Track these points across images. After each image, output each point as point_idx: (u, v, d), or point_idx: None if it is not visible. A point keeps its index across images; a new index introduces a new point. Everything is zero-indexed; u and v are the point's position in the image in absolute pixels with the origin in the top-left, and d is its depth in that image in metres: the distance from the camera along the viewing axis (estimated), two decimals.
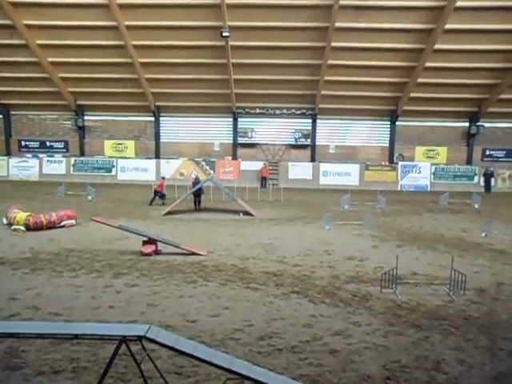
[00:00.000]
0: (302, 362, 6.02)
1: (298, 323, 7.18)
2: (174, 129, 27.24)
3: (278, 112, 25.76)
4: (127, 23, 21.19)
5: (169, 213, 16.48)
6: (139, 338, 4.08)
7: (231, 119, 26.41)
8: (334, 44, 21.03)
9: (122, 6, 20.54)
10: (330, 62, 22.03)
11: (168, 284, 8.78)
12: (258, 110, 25.84)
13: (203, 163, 26.48)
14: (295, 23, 20.57)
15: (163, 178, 20.41)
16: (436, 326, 7.21)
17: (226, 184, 21.63)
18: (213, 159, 26.55)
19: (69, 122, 27.32)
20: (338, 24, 20.03)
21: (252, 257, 10.90)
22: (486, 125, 25.36)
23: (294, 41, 21.41)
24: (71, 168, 27.09)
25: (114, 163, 27.01)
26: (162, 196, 18.88)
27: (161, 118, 26.89)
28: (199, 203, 18.06)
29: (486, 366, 6.05)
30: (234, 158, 26.70)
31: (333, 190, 23.54)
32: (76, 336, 4.24)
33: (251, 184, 22.62)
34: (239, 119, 26.36)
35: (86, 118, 27.15)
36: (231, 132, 26.65)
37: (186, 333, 6.59)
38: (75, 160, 27.16)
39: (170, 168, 26.49)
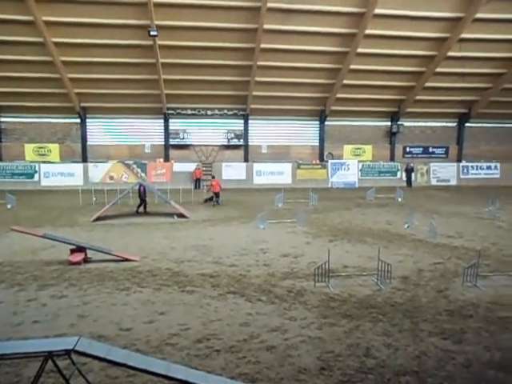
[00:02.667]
0: (240, 361, 6.05)
1: (235, 323, 7.21)
2: (102, 131, 26.08)
3: (209, 113, 25.66)
4: (46, 19, 19.89)
5: (98, 218, 15.76)
6: (67, 352, 3.86)
7: (162, 120, 25.85)
8: (263, 46, 21.37)
9: (39, 1, 19.24)
10: (260, 63, 22.38)
11: (99, 293, 8.40)
12: (189, 111, 25.56)
13: (134, 166, 25.65)
14: (225, 24, 20.61)
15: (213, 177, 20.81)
16: (366, 315, 7.60)
17: (158, 187, 21.17)
18: (144, 161, 25.82)
19: None
20: (266, 26, 20.39)
21: (187, 259, 10.76)
22: (406, 124, 27.22)
23: (224, 41, 21.45)
24: None
25: (37, 168, 25.26)
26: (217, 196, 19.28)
27: (87, 120, 25.62)
28: (145, 207, 17.53)
29: (409, 347, 6.50)
30: (167, 159, 26.18)
31: (267, 189, 23.94)
32: None
33: (185, 186, 22.31)
34: (170, 120, 25.90)
35: (2, 119, 25.14)
36: (162, 133, 26.09)
37: (120, 342, 6.35)
38: None
39: (99, 172, 25.34)
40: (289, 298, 8.34)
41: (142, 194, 17.34)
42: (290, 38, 21.40)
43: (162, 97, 24.25)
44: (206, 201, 19.82)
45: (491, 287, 9.07)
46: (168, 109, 25.32)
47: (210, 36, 21.13)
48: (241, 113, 25.93)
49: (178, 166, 25.72)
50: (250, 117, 26.12)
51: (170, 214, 16.64)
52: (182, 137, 26.00)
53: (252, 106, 25.44)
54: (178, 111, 25.50)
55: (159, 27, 19.96)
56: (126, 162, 25.69)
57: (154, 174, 25.63)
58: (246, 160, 26.61)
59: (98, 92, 23.87)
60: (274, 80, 23.72)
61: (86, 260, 10.30)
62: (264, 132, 26.93)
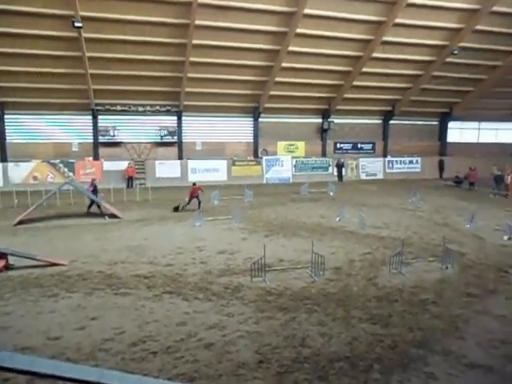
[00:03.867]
0: (177, 361, 5.98)
1: (172, 323, 7.10)
2: (24, 128, 24.22)
3: (141, 109, 24.83)
4: None
5: (21, 222, 14.68)
6: None
7: (90, 117, 24.58)
8: (195, 41, 21.08)
9: None
10: (193, 59, 22.05)
11: (23, 301, 7.85)
12: (119, 107, 24.54)
13: (61, 165, 24.16)
14: (155, 18, 20.03)
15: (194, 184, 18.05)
16: (301, 306, 7.84)
17: (88, 186, 20.16)
18: (72, 160, 24.41)
19: None
20: (198, 22, 20.14)
21: (120, 261, 10.39)
22: (336, 121, 28.32)
23: (155, 36, 20.84)
24: None
25: None
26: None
27: (6, 116, 23.65)
28: (98, 206, 16.73)
29: (342, 334, 6.81)
30: (96, 158, 24.97)
31: (202, 186, 23.66)
32: None
33: (116, 185, 21.45)
34: (99, 117, 24.71)
35: None
36: (91, 131, 24.83)
37: (48, 352, 6.00)
38: None
39: (21, 172, 23.56)
40: (226, 294, 8.36)
41: (91, 194, 16.72)
42: (222, 34, 21.32)
43: (90, 92, 23.07)
44: (176, 209, 17.11)
45: (414, 273, 9.76)
46: (96, 105, 24.14)
47: (140, 30, 20.43)
48: (174, 109, 25.42)
49: (109, 165, 24.64)
50: (183, 113, 25.69)
51: (101, 215, 15.94)
52: (112, 134, 24.92)
53: (185, 103, 25.04)
54: (108, 107, 24.40)
55: (85, 19, 18.93)
56: (52, 161, 24.13)
57: (82, 174, 24.34)
58: (180, 157, 26.15)
59: (19, 86, 22.15)
60: (207, 76, 23.52)
61: (8, 267, 9.57)
62: (198, 129, 26.62)
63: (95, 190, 17.10)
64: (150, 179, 24.61)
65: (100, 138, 24.86)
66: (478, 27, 22.55)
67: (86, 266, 10.00)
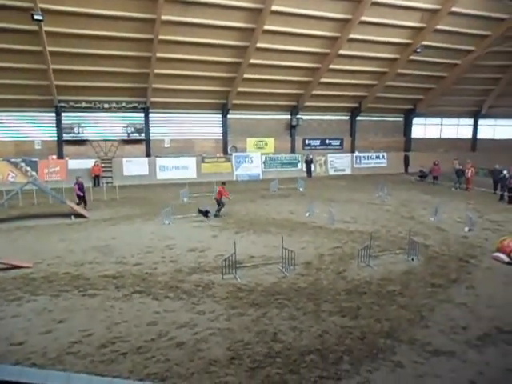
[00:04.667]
0: (148, 361, 5.91)
1: (143, 323, 7.01)
2: None
3: (106, 106, 24.22)
4: None
5: None
6: None
7: (54, 114, 23.78)
8: (161, 37, 20.71)
9: None
10: (160, 55, 21.68)
11: None
12: (84, 104, 23.84)
13: (22, 164, 23.25)
14: (120, 12, 19.52)
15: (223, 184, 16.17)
16: (273, 302, 7.90)
17: (52, 186, 19.56)
18: (34, 159, 23.53)
19: None
20: (164, 17, 19.80)
21: (88, 262, 10.15)
22: (304, 117, 28.58)
23: (121, 31, 20.31)
24: None
25: None
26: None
27: None
28: (85, 203, 16.98)
29: (313, 327, 6.92)
30: (60, 156, 24.20)
31: (171, 184, 23.43)
32: None
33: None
34: (63, 114, 23.92)
35: None
36: (54, 128, 24.03)
37: (12, 358, 5.81)
38: None
39: None
40: (197, 292, 8.32)
41: (79, 191, 16.72)
42: (189, 30, 21.04)
43: (52, 88, 22.29)
44: (205, 214, 15.11)
45: (381, 265, 10.02)
46: (60, 101, 23.36)
47: (105, 24, 19.87)
48: (141, 106, 24.94)
49: (74, 163, 23.90)
50: (150, 110, 25.25)
51: (67, 215, 15.48)
52: (76, 131, 24.18)
53: (152, 99, 24.61)
54: (72, 104, 23.65)
55: (45, 11, 18.25)
56: (13, 159, 23.20)
57: (46, 173, 23.54)
58: (148, 155, 25.72)
59: None
60: (175, 73, 23.20)
61: None
62: (166, 126, 26.25)
63: (82, 189, 16.88)
64: (118, 177, 24.08)
65: (64, 135, 24.09)
66: (439, 27, 23.24)
67: (51, 267, 9.70)
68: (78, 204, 16.45)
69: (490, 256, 10.80)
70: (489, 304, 8.02)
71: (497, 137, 31.84)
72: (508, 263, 10.27)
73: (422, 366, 5.95)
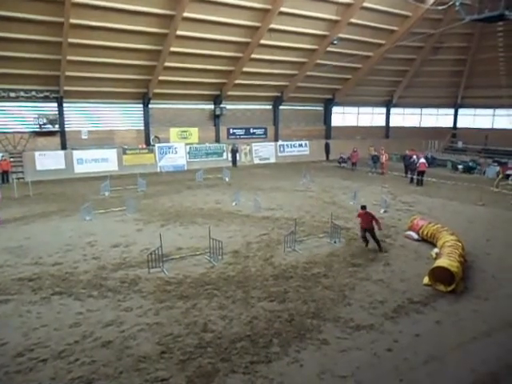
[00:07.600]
0: (72, 365, 5.63)
1: (64, 325, 6.63)
2: None
3: (13, 95, 22.15)
4: None
5: None
6: None
7: None
8: (73, 21, 19.27)
9: None
10: (72, 40, 20.20)
11: None
12: None
13: None
14: None
15: None
16: (202, 293, 7.88)
17: None
18: None
19: None
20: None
21: None
22: (228, 107, 28.54)
23: (27, 12, 18.49)
24: None
25: None
26: None
27: None
28: None
29: (242, 314, 7.03)
30: None
31: (91, 177, 22.20)
32: None
33: None
34: None
35: None
36: None
37: None
38: None
39: None
40: (123, 288, 8.04)
41: None
42: (106, 15, 19.80)
43: None
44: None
45: (306, 249, 10.43)
46: None
47: (11, 5, 18.03)
48: (53, 95, 23.15)
49: None
50: (64, 100, 23.55)
51: None
52: None
53: (66, 88, 22.96)
54: None
55: None
56: None
57: None
58: (63, 147, 24.05)
59: None
60: (90, 60, 21.81)
61: None
62: (83, 116, 24.68)
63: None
64: (30, 173, 22.25)
65: None
66: (353, 20, 24.39)
67: None
68: None
69: (403, 235, 11.73)
70: (402, 278, 8.73)
71: (406, 124, 34.38)
72: (417, 240, 11.25)
73: (346, 340, 6.33)
